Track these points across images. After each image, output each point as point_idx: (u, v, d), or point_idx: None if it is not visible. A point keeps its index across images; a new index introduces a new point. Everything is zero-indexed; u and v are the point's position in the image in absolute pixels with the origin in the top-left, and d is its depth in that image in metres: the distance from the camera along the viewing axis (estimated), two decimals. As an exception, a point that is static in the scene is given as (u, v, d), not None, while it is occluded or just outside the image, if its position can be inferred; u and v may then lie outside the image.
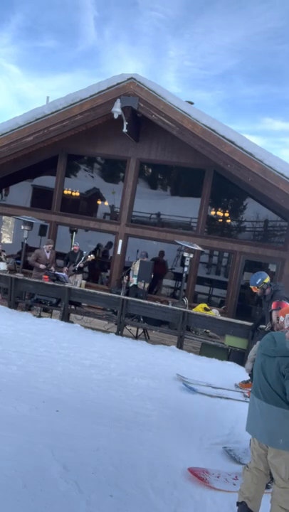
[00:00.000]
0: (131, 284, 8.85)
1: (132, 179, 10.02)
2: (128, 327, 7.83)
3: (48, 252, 8.86)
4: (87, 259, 8.94)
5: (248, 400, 4.88)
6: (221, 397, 5.06)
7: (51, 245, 8.96)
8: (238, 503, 2.85)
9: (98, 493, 2.90)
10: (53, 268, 8.68)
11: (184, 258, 8.55)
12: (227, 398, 5.06)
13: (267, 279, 5.45)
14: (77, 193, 11.20)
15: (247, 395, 5.09)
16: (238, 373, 5.88)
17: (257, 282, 5.42)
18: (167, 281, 10.77)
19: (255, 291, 5.59)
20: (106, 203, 11.19)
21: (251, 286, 5.61)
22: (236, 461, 3.54)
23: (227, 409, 4.79)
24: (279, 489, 2.67)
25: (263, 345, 2.85)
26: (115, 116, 8.45)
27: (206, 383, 5.46)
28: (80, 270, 9.11)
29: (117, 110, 8.37)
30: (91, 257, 8.99)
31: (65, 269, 8.84)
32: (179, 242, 8.60)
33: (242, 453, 3.66)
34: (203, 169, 9.56)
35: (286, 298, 4.88)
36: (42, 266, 8.61)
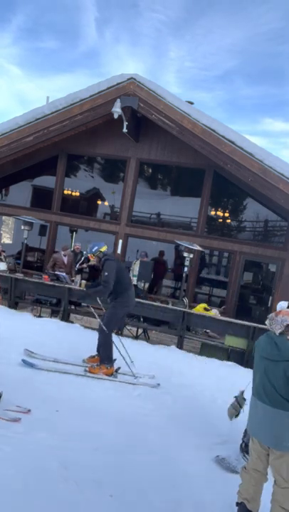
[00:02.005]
0: (131, 284, 8.84)
1: (132, 179, 10.02)
2: (128, 327, 7.82)
3: (65, 256, 8.71)
4: (89, 262, 8.87)
5: (88, 374, 4.97)
6: (60, 372, 5.04)
7: (78, 246, 8.80)
8: (237, 504, 2.85)
9: (98, 493, 2.90)
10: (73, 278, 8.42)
11: (184, 258, 8.54)
12: (66, 373, 5.05)
13: (103, 248, 5.51)
14: (77, 193, 11.20)
15: (87, 369, 5.11)
16: (238, 373, 5.88)
17: (93, 250, 5.52)
18: (167, 281, 10.77)
19: (91, 259, 5.67)
20: (106, 203, 11.20)
21: (88, 255, 5.69)
22: (231, 470, 3.52)
23: (226, 408, 4.78)
24: (280, 489, 2.67)
25: (264, 348, 2.81)
26: (115, 116, 8.45)
27: (53, 359, 5.44)
28: (80, 270, 9.09)
29: (117, 110, 8.37)
30: (93, 260, 8.92)
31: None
32: (178, 242, 8.60)
33: (234, 461, 3.64)
34: (203, 169, 9.56)
35: (114, 266, 5.20)
36: (61, 274, 8.13)
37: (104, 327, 5.32)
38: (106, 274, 5.23)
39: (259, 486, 2.82)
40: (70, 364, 5.40)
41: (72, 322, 7.68)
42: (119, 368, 5.35)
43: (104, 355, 5.30)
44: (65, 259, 8.64)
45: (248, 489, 2.80)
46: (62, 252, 8.71)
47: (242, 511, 2.79)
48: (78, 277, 9.17)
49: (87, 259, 8.81)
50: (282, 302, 5.76)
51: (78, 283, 9.00)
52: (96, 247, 5.51)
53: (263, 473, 2.82)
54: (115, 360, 5.39)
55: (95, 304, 6.29)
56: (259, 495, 2.81)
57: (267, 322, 2.89)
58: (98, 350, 5.42)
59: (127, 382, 5.15)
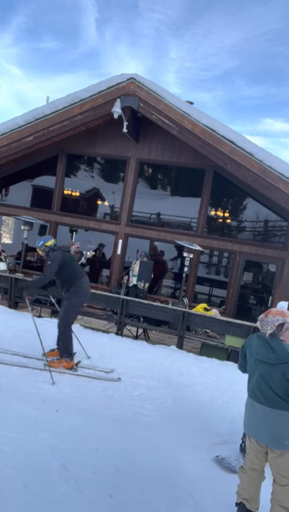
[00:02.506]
0: (131, 284, 8.85)
1: (132, 179, 10.02)
2: (128, 327, 7.82)
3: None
4: (84, 256, 8.84)
5: (48, 368, 4.94)
6: (18, 366, 5.04)
7: (78, 245, 8.64)
8: (236, 504, 2.86)
9: (98, 493, 2.90)
10: None
11: (183, 258, 8.55)
12: (25, 367, 5.06)
13: (49, 243, 5.49)
14: (77, 193, 11.20)
15: (47, 363, 5.08)
16: (238, 373, 5.87)
17: (39, 245, 5.52)
18: (167, 281, 10.78)
19: (40, 253, 5.66)
20: (106, 203, 11.20)
21: (37, 248, 5.67)
22: (230, 470, 3.52)
23: (226, 408, 4.79)
24: (280, 488, 2.67)
25: (259, 351, 2.75)
26: (115, 116, 8.45)
27: (11, 351, 5.46)
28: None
29: (117, 110, 8.37)
30: (85, 254, 8.84)
31: None
32: (179, 242, 8.60)
33: (234, 461, 3.64)
34: (203, 169, 9.56)
35: (58, 257, 5.19)
36: None
37: (62, 320, 5.31)
38: (48, 263, 5.26)
39: (257, 485, 2.82)
40: (30, 358, 5.39)
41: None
42: (79, 362, 5.36)
43: (62, 348, 5.29)
44: None
45: (247, 489, 2.81)
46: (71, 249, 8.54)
47: (242, 511, 2.79)
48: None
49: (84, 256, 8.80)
50: (282, 302, 5.78)
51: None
52: (42, 242, 5.52)
53: (261, 472, 2.82)
54: (75, 353, 5.40)
55: (93, 304, 6.29)
56: (258, 494, 2.81)
57: (258, 324, 2.83)
58: (58, 343, 5.41)
59: (88, 376, 5.12)
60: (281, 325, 2.69)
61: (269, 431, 2.68)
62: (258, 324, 2.83)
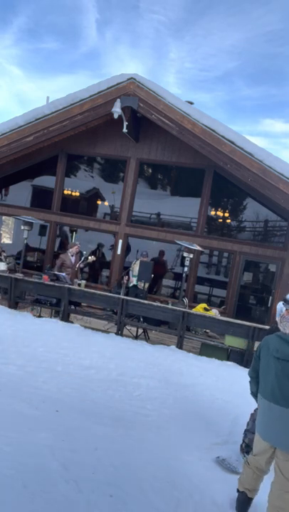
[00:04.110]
0: (131, 284, 8.84)
1: (132, 179, 10.02)
2: (128, 327, 7.82)
3: (72, 256, 8.46)
4: (88, 260, 8.85)
5: None
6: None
7: (78, 247, 8.46)
8: (238, 491, 2.99)
9: (98, 493, 2.90)
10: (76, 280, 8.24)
11: (183, 258, 8.55)
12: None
13: None
14: (77, 193, 11.20)
15: None
16: (238, 373, 5.88)
17: None
18: (167, 281, 10.78)
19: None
20: (106, 203, 11.20)
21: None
22: (231, 471, 3.52)
23: (226, 408, 4.79)
24: (284, 493, 2.62)
25: (278, 349, 2.72)
26: (115, 116, 8.45)
27: None
28: (80, 270, 9.07)
29: (117, 110, 8.37)
30: (92, 258, 8.90)
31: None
32: (178, 242, 8.60)
33: (235, 461, 3.64)
34: (203, 169, 9.56)
35: None
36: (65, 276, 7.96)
37: None
38: None
39: (260, 479, 2.95)
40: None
41: (72, 322, 7.68)
42: None
43: None
44: (73, 259, 8.52)
45: (250, 482, 2.93)
46: (70, 251, 8.51)
47: (243, 499, 2.94)
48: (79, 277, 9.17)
49: (86, 259, 8.80)
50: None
51: (77, 283, 9.01)
52: None
53: (265, 471, 2.91)
54: None
55: (93, 304, 6.30)
56: (259, 485, 2.96)
57: (277, 319, 2.82)
58: None
59: None
60: None
61: (286, 433, 2.62)
62: (277, 319, 2.83)
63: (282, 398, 2.64)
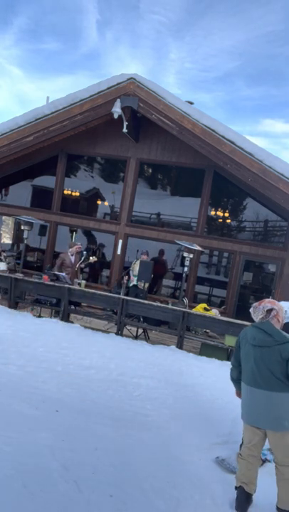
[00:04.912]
0: (131, 284, 8.84)
1: (132, 179, 10.02)
2: (128, 327, 7.82)
3: (72, 255, 8.42)
4: (89, 261, 8.83)
5: None
6: None
7: (79, 246, 8.40)
8: (236, 488, 3.05)
9: (98, 493, 2.90)
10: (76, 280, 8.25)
11: (183, 258, 8.54)
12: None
13: None
14: (77, 193, 11.20)
15: None
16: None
17: None
18: (167, 281, 10.78)
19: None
20: (106, 203, 11.20)
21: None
22: (231, 471, 3.51)
23: (226, 408, 4.79)
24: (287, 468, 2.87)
25: (255, 337, 2.96)
26: (115, 116, 8.45)
27: None
28: (81, 270, 9.07)
29: (117, 110, 8.37)
30: (93, 258, 8.87)
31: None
32: (178, 242, 8.60)
33: (234, 461, 3.64)
34: (203, 169, 9.56)
35: None
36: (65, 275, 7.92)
37: None
38: None
39: (255, 469, 3.04)
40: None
41: (72, 322, 7.68)
42: None
43: None
44: (73, 259, 8.50)
45: (245, 474, 3.01)
46: (70, 250, 8.48)
47: (241, 494, 2.98)
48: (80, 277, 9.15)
49: (87, 259, 8.79)
50: (283, 302, 5.77)
51: (77, 283, 9.00)
52: None
53: (258, 457, 3.05)
54: None
55: (93, 304, 6.30)
56: (255, 477, 3.03)
57: (251, 310, 3.11)
58: None
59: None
60: (269, 310, 3.00)
61: (269, 414, 2.84)
62: (250, 310, 3.11)
63: (262, 382, 2.88)
